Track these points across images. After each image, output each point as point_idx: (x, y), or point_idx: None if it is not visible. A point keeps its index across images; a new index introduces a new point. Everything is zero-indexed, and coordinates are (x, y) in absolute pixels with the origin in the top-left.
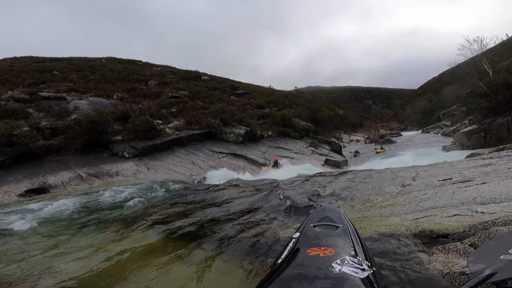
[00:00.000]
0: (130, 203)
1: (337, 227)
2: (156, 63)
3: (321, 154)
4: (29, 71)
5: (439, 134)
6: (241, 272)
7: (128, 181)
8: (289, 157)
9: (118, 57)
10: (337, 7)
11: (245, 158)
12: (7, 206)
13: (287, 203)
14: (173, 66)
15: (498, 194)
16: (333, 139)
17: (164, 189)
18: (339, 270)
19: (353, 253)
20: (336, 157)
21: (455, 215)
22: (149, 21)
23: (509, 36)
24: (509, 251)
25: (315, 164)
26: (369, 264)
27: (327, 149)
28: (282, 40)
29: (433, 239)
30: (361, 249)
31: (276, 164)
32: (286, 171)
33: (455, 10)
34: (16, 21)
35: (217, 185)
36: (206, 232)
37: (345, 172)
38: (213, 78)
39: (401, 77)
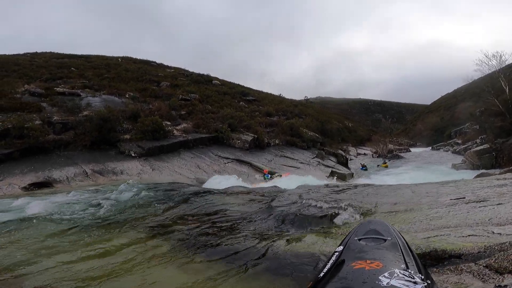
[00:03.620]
0: (132, 202)
1: (385, 240)
2: (169, 64)
3: (327, 166)
4: (48, 67)
5: (449, 151)
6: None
7: (132, 180)
8: (294, 167)
9: (134, 57)
10: (352, 19)
11: (250, 165)
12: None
13: (286, 214)
14: (186, 68)
15: None
16: (340, 152)
17: (167, 191)
18: (387, 283)
19: (403, 266)
20: (342, 170)
21: (469, 235)
22: (163, 22)
23: None
24: None
25: (320, 176)
26: (422, 277)
27: (333, 161)
28: (293, 48)
29: (445, 259)
30: (413, 261)
31: (266, 177)
32: (291, 180)
33: (474, 24)
34: (40, 16)
35: (220, 190)
36: (206, 239)
37: (352, 185)
38: (224, 83)
39: (414, 92)
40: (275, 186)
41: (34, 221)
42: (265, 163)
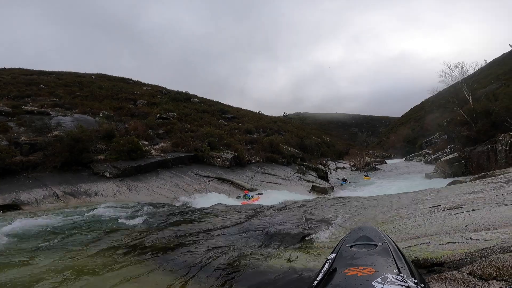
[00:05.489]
0: (107, 224)
1: (376, 245)
2: (146, 81)
3: (307, 181)
4: (16, 83)
5: (422, 162)
6: None
7: (107, 201)
8: (276, 183)
9: (109, 74)
10: (327, 31)
11: (231, 182)
12: None
13: (269, 229)
14: (164, 86)
15: (491, 221)
16: (320, 166)
17: (145, 211)
18: None
19: (395, 270)
20: (323, 184)
21: (449, 242)
22: (141, 37)
23: (488, 62)
24: None
25: (301, 191)
26: (416, 280)
27: (314, 176)
28: (271, 63)
29: (427, 268)
30: (406, 265)
31: (247, 197)
32: (274, 197)
33: (441, 35)
34: (6, 29)
35: (201, 209)
36: (185, 256)
37: (333, 199)
38: (203, 100)
39: (386, 105)
40: (258, 204)
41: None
42: (246, 180)
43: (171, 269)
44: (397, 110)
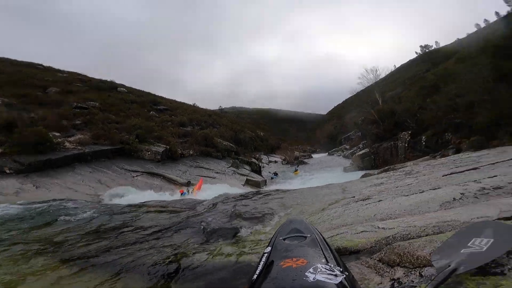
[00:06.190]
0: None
1: (306, 237)
2: (62, 68)
3: (242, 174)
4: None
5: (341, 156)
6: None
7: (8, 201)
8: (210, 177)
9: (13, 58)
10: (266, 29)
11: (163, 177)
12: None
13: (205, 225)
14: (84, 73)
15: (393, 211)
16: (254, 160)
17: (58, 210)
18: (314, 278)
19: (324, 260)
20: (256, 177)
21: (362, 231)
22: (58, 22)
23: (397, 67)
24: (468, 245)
25: (236, 184)
26: (341, 269)
27: (248, 170)
28: (209, 57)
29: (347, 256)
30: (331, 255)
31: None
32: (210, 191)
33: (362, 39)
34: None
35: (129, 206)
36: (113, 257)
37: (265, 192)
38: (131, 90)
39: (314, 103)
40: (193, 198)
41: None
42: (179, 175)
43: (99, 270)
44: (323, 107)
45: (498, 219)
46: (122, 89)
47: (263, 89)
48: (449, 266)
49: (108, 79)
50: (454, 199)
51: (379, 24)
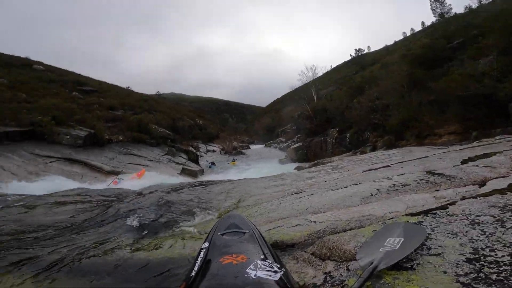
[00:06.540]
0: None
1: (244, 233)
2: None
3: (177, 163)
4: None
5: (277, 148)
6: None
7: None
8: (142, 165)
9: None
10: (215, 18)
11: (85, 164)
12: None
13: (135, 217)
14: None
15: (322, 204)
16: (191, 149)
17: None
18: (255, 275)
19: (262, 257)
20: (193, 167)
21: (296, 225)
22: None
23: (333, 67)
24: (384, 244)
25: (171, 173)
26: (278, 265)
27: (185, 158)
28: (149, 40)
29: (283, 249)
30: (269, 251)
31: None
32: (140, 180)
33: (303, 37)
34: None
35: (42, 197)
36: (28, 256)
37: (202, 183)
38: (50, 69)
39: (255, 94)
40: (121, 188)
41: None
42: (105, 162)
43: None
44: (263, 100)
45: (406, 214)
46: (39, 66)
47: (205, 77)
48: (372, 263)
49: (22, 55)
50: (372, 194)
51: (323, 24)
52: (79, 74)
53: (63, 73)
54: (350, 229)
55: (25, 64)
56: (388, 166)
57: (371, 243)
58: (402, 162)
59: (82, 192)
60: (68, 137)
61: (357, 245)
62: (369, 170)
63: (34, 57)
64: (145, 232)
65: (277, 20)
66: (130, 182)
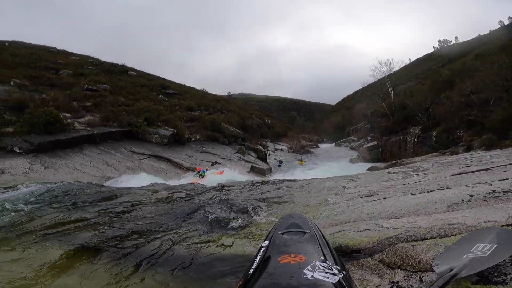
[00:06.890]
0: (23, 207)
1: (305, 233)
2: (76, 52)
3: (247, 161)
4: None
5: (348, 147)
6: None
7: (17, 181)
8: (216, 162)
9: (27, 42)
10: (276, 17)
11: (169, 161)
12: None
13: (207, 213)
14: (96, 57)
15: (398, 209)
16: (260, 147)
17: (65, 192)
18: (311, 276)
19: (322, 258)
20: (262, 165)
21: (365, 229)
22: (67, 4)
23: (412, 60)
24: (471, 250)
25: (241, 171)
26: (339, 268)
27: (254, 156)
28: (217, 42)
29: (348, 254)
30: (330, 253)
31: (200, 174)
32: (214, 177)
33: (374, 32)
34: None
35: (136, 189)
36: (125, 245)
37: (270, 181)
38: (142, 74)
39: (323, 92)
40: (192, 184)
41: None
42: (185, 159)
43: (115, 260)
44: (332, 98)
45: (506, 224)
46: (132, 72)
47: (271, 76)
48: (451, 271)
49: (120, 63)
50: (463, 201)
51: (394, 18)
52: (164, 78)
53: (151, 77)
54: (430, 238)
55: (122, 70)
56: (487, 169)
57: (454, 249)
58: (506, 165)
59: (167, 186)
60: (157, 136)
61: (437, 255)
62: (461, 173)
63: (128, 64)
64: (213, 227)
65: (340, 17)
66: (214, 177)
